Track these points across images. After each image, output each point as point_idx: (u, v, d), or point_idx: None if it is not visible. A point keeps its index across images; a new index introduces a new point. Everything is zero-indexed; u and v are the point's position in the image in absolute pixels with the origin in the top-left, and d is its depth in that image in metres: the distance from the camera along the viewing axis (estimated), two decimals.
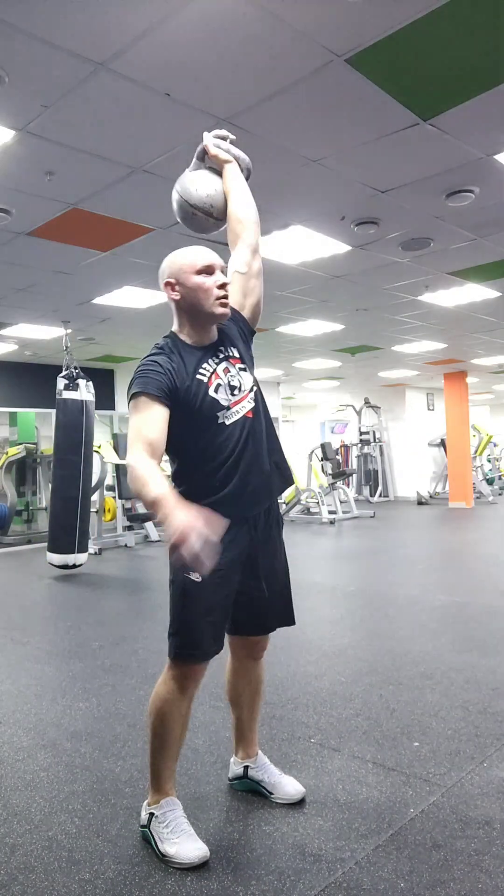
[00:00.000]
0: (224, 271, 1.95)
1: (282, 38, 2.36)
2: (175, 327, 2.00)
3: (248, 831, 2.04)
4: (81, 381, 6.43)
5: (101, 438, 8.64)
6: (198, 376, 1.89)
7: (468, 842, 1.94)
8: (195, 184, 2.11)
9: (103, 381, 9.92)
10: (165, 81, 2.61)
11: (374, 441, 14.17)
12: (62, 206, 3.88)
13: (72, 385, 6.38)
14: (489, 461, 15.26)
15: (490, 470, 15.10)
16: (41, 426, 10.85)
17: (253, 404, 1.97)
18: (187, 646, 1.92)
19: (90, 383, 6.54)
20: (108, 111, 2.84)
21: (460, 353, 10.02)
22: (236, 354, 2.01)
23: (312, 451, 11.47)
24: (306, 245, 4.68)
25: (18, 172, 3.42)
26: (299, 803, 2.17)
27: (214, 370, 1.93)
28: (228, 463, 1.89)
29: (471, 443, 12.84)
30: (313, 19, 2.27)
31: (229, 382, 1.94)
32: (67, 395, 6.39)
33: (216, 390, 1.90)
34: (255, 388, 2.01)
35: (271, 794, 2.19)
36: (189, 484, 1.91)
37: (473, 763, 2.41)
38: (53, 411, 6.59)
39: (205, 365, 1.92)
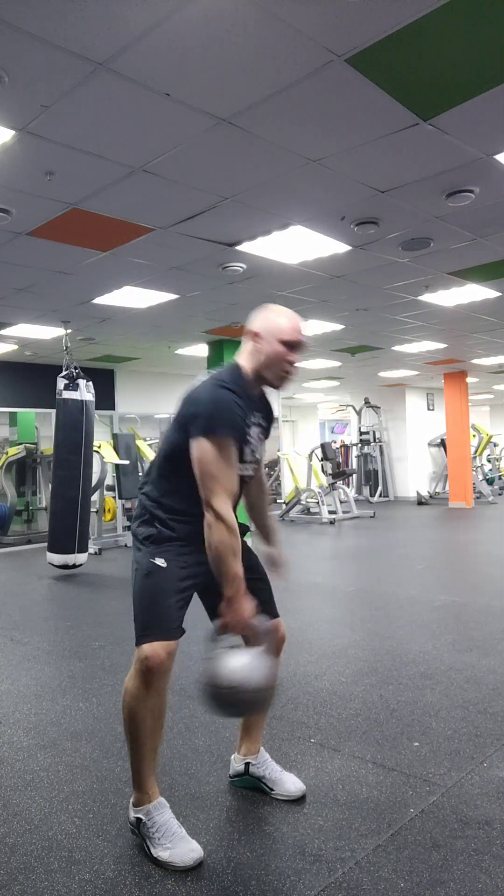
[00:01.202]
0: (303, 351, 2.10)
1: (282, 38, 2.36)
2: (243, 361, 2.06)
3: (248, 831, 2.04)
4: (81, 381, 6.43)
5: (101, 438, 8.64)
6: (249, 425, 2.01)
7: (468, 842, 1.94)
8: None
9: (103, 381, 9.93)
10: (165, 81, 2.61)
11: (374, 441, 14.17)
12: (62, 206, 3.88)
13: (72, 385, 6.38)
14: (489, 461, 15.26)
15: (490, 470, 15.10)
16: (41, 426, 10.86)
17: (251, 474, 2.12)
18: (150, 625, 1.94)
19: (90, 383, 6.54)
20: (108, 111, 2.84)
21: (460, 353, 10.02)
22: (265, 426, 2.14)
23: (312, 451, 11.47)
24: (306, 245, 4.68)
25: (18, 172, 3.42)
26: (300, 801, 2.17)
27: (256, 424, 2.06)
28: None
29: (471, 443, 12.84)
30: (313, 19, 2.27)
31: (252, 450, 2.09)
32: (67, 395, 6.39)
33: (247, 444, 2.02)
34: (260, 462, 2.19)
35: (272, 790, 2.20)
36: (174, 498, 2.02)
37: (473, 763, 2.41)
38: (53, 411, 6.59)
39: (253, 417, 2.04)
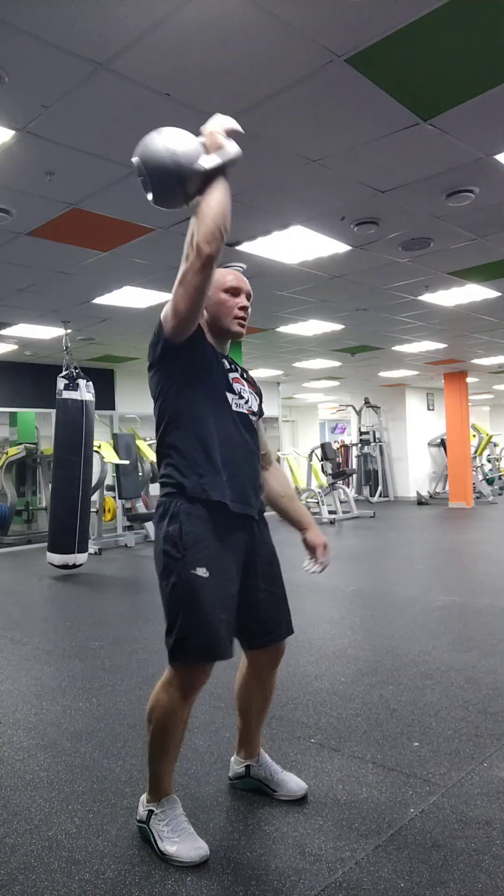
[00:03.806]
0: (249, 297, 2.08)
1: (282, 38, 2.36)
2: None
3: (248, 831, 2.04)
4: (81, 381, 6.43)
5: (101, 438, 8.64)
6: (220, 359, 2.02)
7: (468, 842, 1.94)
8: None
9: (103, 381, 9.93)
10: (165, 81, 2.61)
11: (374, 441, 14.17)
12: (62, 206, 3.88)
13: (72, 385, 6.38)
14: (489, 461, 15.26)
15: (490, 470, 15.10)
16: (41, 426, 10.85)
17: (253, 420, 2.09)
18: (204, 647, 1.85)
19: (90, 383, 6.54)
20: (108, 111, 2.84)
21: (460, 353, 10.02)
22: (250, 381, 2.15)
23: (312, 451, 11.47)
24: (306, 245, 4.68)
25: (18, 172, 3.42)
26: (300, 801, 2.17)
27: (231, 368, 2.05)
28: (230, 449, 1.95)
29: (471, 443, 12.84)
30: (313, 19, 2.27)
31: (240, 390, 2.05)
32: (67, 395, 6.39)
33: (231, 380, 2.02)
34: (257, 417, 2.11)
35: (275, 791, 2.20)
36: (186, 459, 1.90)
37: (473, 763, 2.41)
38: (53, 411, 6.60)
39: (225, 361, 2.05)
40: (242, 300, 2.04)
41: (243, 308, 2.04)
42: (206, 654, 1.87)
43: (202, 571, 1.84)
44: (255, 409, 2.09)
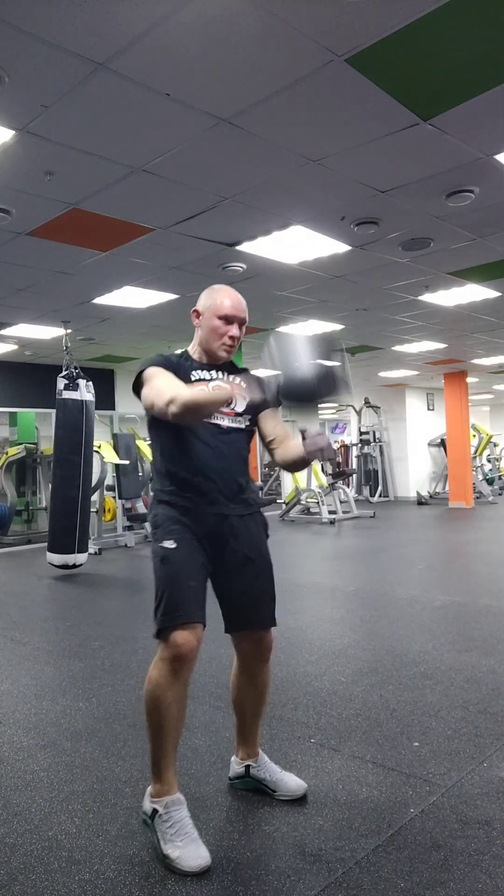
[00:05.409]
0: (242, 325, 2.15)
1: (282, 38, 2.36)
2: (190, 347, 2.22)
3: (248, 831, 2.04)
4: (81, 381, 6.43)
5: (101, 438, 8.63)
6: (192, 375, 2.12)
7: (468, 842, 1.94)
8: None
9: (103, 381, 9.92)
10: (165, 81, 2.61)
11: (374, 441, 14.17)
12: (62, 206, 3.88)
13: (72, 385, 6.38)
14: (489, 461, 15.26)
15: (490, 470, 15.10)
16: (41, 426, 10.85)
17: (233, 425, 2.14)
18: (172, 610, 1.93)
19: (90, 383, 6.54)
20: (108, 111, 2.84)
21: (460, 353, 10.02)
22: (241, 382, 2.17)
23: None
24: (306, 245, 4.68)
25: (18, 172, 3.42)
26: (300, 801, 2.17)
27: (209, 379, 2.13)
28: (202, 464, 2.06)
29: (471, 443, 12.84)
30: (313, 19, 2.27)
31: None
32: (67, 395, 6.39)
33: (199, 382, 2.11)
34: (244, 422, 2.17)
35: (274, 791, 2.20)
36: (163, 469, 2.11)
37: (473, 763, 2.41)
38: (53, 411, 6.60)
39: (201, 372, 2.14)
40: (234, 329, 2.12)
41: (233, 337, 2.12)
42: (175, 618, 1.93)
43: (169, 543, 2.00)
44: (241, 409, 2.15)
